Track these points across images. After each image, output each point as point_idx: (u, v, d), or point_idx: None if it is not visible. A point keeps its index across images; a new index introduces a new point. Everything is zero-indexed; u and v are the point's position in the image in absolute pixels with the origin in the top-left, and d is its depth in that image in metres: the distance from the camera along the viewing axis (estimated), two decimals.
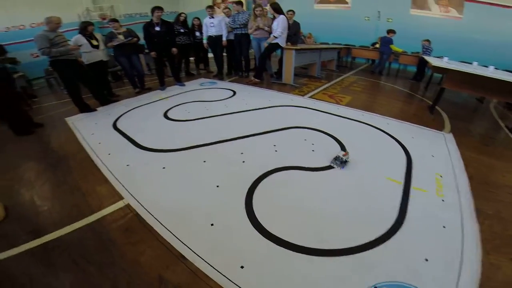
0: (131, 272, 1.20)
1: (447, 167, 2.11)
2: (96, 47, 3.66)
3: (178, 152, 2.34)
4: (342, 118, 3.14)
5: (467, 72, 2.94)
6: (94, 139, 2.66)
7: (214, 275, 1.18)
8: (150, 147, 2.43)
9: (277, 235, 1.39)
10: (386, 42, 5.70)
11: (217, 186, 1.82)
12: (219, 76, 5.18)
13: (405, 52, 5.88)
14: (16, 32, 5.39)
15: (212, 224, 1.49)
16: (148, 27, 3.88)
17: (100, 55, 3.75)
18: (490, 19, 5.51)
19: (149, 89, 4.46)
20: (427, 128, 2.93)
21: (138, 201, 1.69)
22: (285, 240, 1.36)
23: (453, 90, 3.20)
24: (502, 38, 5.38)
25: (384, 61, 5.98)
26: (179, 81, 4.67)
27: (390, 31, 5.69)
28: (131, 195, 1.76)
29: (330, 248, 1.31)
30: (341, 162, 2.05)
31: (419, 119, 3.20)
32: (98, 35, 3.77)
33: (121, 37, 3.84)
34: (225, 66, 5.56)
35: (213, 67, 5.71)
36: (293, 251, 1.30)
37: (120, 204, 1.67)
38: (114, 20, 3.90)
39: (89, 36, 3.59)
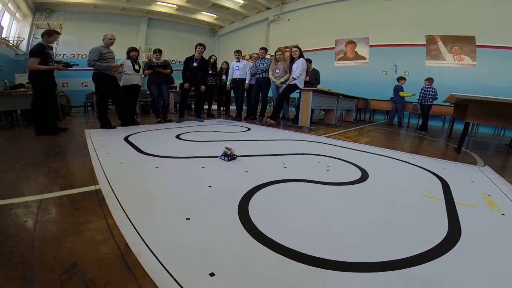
0: (40, 252, 0.85)
1: (492, 188, 1.78)
2: (137, 71, 4.16)
3: (178, 159, 2.15)
4: (360, 151, 2.84)
5: (492, 101, 2.68)
6: (101, 143, 2.63)
7: (159, 275, 0.77)
8: (151, 153, 2.29)
9: (281, 243, 0.98)
10: (396, 90, 5.68)
11: (210, 187, 1.52)
12: (238, 118, 5.34)
13: (415, 95, 5.63)
14: (78, 60, 6.36)
15: (188, 219, 1.13)
16: (188, 61, 4.40)
17: (138, 79, 4.21)
18: (503, 63, 5.46)
19: (170, 121, 4.64)
20: (459, 163, 2.55)
21: (111, 187, 1.42)
22: (295, 250, 0.94)
23: (478, 123, 2.88)
24: None
25: (400, 111, 5.81)
26: (199, 117, 4.87)
27: (401, 78, 5.70)
28: (108, 181, 1.50)
29: (363, 261, 0.88)
30: (226, 155, 2.09)
31: (448, 157, 2.82)
32: (140, 62, 4.34)
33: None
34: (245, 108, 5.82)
35: (233, 112, 6.02)
36: (301, 262, 0.87)
37: (90, 188, 1.42)
38: (159, 51, 4.53)
39: (134, 61, 4.12)
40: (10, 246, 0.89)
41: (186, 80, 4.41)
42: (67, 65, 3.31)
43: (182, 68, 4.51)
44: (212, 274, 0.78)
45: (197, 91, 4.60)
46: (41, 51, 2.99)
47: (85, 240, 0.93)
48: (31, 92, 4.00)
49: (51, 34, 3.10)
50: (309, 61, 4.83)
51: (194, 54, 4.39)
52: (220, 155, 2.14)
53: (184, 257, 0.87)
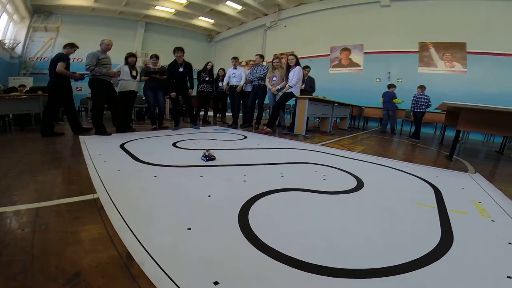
0: (41, 261, 0.85)
1: (483, 195, 1.86)
2: (134, 77, 4.18)
3: (176, 167, 2.16)
4: (355, 160, 2.91)
5: (483, 109, 2.79)
6: (97, 151, 2.61)
7: (164, 285, 0.78)
8: (149, 162, 2.29)
9: (281, 252, 1.01)
10: (389, 97, 5.78)
11: (209, 196, 1.54)
12: (234, 125, 5.32)
13: (403, 101, 5.80)
14: (74, 64, 6.26)
15: (189, 228, 1.15)
16: (173, 67, 4.27)
17: (134, 85, 4.24)
18: (493, 69, 5.66)
19: (166, 128, 4.62)
20: (450, 170, 2.66)
21: (109, 196, 1.42)
22: (292, 258, 0.97)
23: (469, 130, 3.00)
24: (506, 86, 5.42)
25: (392, 118, 5.92)
26: (195, 124, 4.83)
27: (392, 86, 5.81)
28: (106, 190, 1.51)
29: (359, 267, 0.92)
30: (205, 156, 2.36)
31: (440, 164, 2.93)
32: (138, 68, 4.38)
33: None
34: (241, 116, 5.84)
35: (229, 119, 5.99)
36: (300, 269, 0.90)
37: (88, 197, 1.42)
38: (156, 57, 4.55)
39: (132, 67, 4.14)
40: (9, 255, 0.88)
41: (174, 87, 4.30)
42: (81, 76, 3.63)
43: None
44: (216, 283, 0.80)
45: (186, 98, 4.57)
46: (67, 58, 3.47)
47: (86, 250, 0.93)
48: (25, 96, 4.06)
49: (73, 46, 3.58)
50: (306, 67, 4.94)
51: (175, 60, 4.26)
52: (201, 156, 2.44)
53: (188, 266, 0.89)
